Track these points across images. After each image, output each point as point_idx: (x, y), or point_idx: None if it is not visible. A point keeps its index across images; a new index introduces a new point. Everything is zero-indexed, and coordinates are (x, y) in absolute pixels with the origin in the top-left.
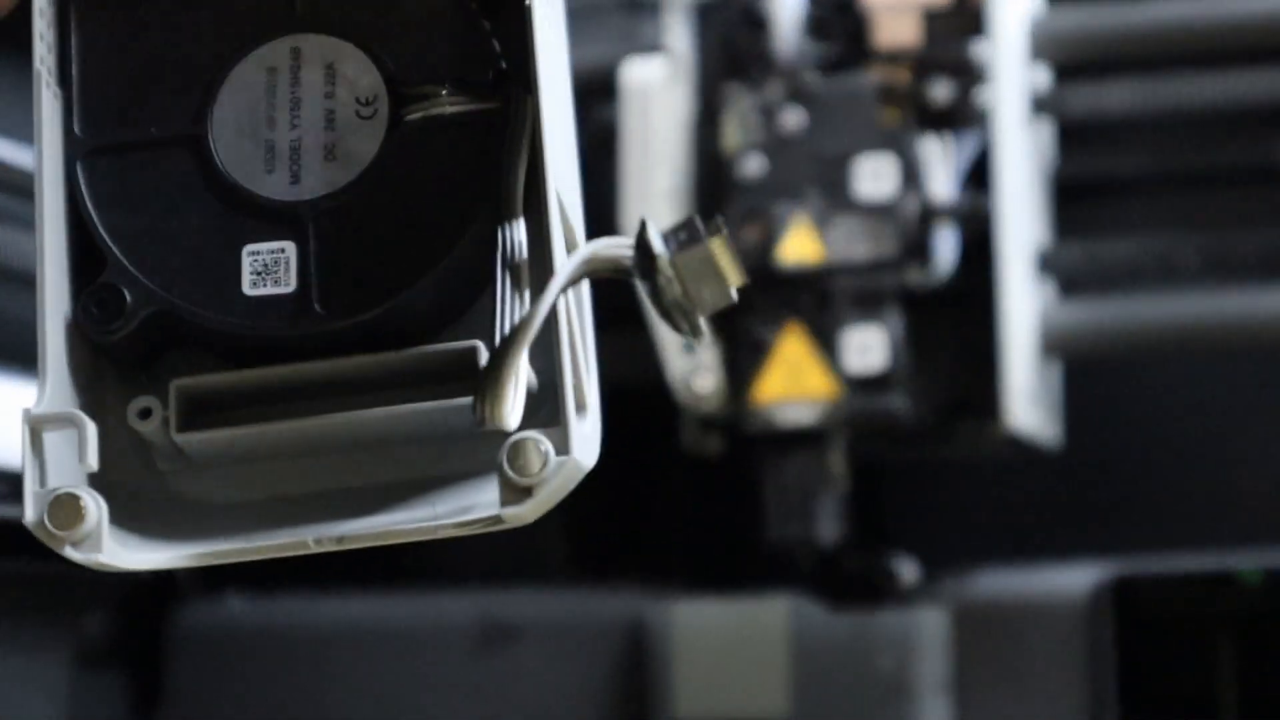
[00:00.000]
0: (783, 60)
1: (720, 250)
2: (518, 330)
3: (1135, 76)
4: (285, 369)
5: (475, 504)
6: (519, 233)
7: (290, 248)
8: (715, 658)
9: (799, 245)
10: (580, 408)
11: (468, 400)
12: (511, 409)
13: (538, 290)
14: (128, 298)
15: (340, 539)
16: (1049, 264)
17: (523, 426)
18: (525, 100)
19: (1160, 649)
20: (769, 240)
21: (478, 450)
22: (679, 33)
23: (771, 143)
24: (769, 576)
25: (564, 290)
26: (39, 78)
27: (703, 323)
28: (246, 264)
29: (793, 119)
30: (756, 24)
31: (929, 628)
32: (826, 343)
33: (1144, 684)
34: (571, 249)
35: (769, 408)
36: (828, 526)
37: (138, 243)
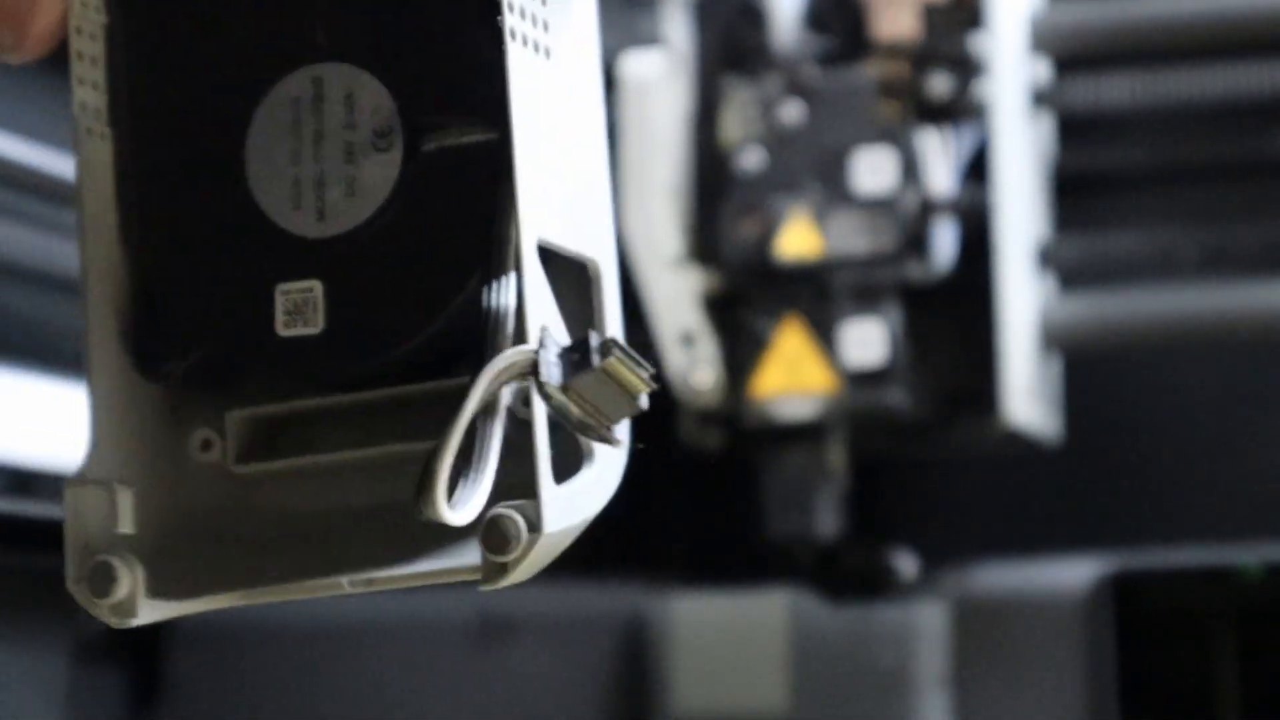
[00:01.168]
0: (781, 53)
1: (616, 368)
2: (440, 444)
3: (1135, 70)
4: (344, 398)
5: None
6: (508, 284)
7: (318, 286)
8: (714, 652)
9: (798, 239)
10: (587, 456)
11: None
12: (444, 504)
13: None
14: (178, 339)
15: (370, 581)
16: (1048, 258)
17: (508, 496)
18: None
19: (1160, 643)
20: (768, 234)
21: None
22: (677, 26)
23: (770, 136)
24: (768, 571)
25: (477, 412)
26: (79, 122)
27: (619, 430)
28: (280, 304)
29: (791, 112)
30: (755, 17)
31: (928, 622)
32: (825, 337)
33: (1143, 678)
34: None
35: (767, 402)
36: (826, 521)
37: (184, 284)
